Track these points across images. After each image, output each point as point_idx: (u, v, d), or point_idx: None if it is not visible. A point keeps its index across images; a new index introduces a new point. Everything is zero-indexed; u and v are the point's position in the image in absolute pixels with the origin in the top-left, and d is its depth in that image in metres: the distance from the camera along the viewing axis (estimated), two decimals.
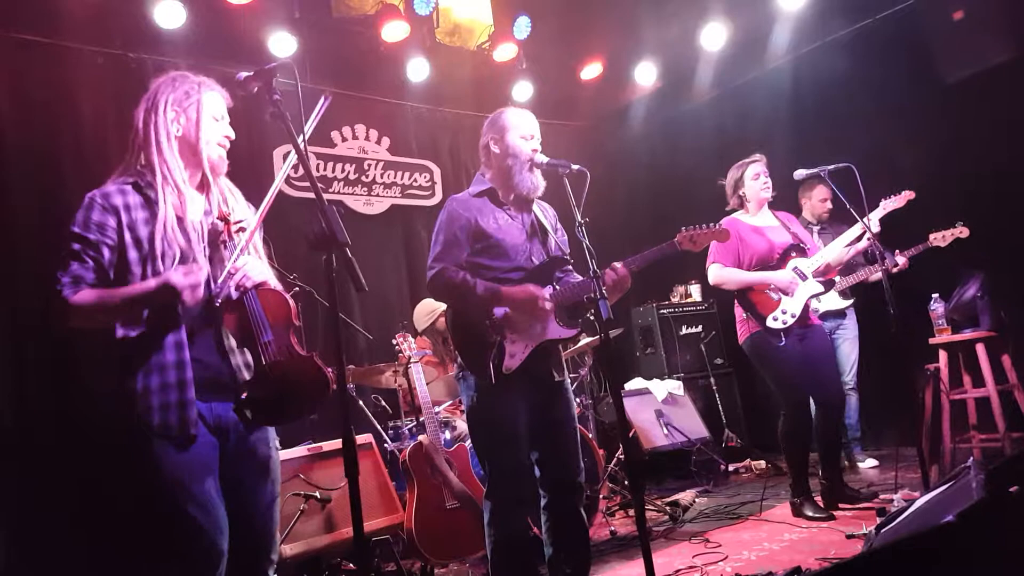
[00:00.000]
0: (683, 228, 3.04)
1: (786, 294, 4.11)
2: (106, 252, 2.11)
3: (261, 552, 2.23)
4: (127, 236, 2.12)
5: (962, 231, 4.47)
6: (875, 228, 4.15)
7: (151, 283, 2.06)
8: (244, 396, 2.17)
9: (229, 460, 2.18)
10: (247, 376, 2.21)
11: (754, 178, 4.28)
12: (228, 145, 2.30)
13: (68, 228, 2.12)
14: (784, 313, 4.09)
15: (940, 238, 4.50)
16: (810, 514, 4.06)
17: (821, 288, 4.17)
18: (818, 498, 4.18)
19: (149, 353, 2.09)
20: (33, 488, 4.04)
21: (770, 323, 4.08)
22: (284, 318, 2.25)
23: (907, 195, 4.33)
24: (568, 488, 2.98)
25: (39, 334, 4.25)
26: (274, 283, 2.33)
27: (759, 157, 4.34)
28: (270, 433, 2.31)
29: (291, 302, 2.30)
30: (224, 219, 2.25)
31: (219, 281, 2.22)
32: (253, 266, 2.23)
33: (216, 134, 2.27)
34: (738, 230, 4.21)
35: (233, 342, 2.22)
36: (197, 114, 2.23)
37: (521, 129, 3.02)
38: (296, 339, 2.27)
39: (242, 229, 2.26)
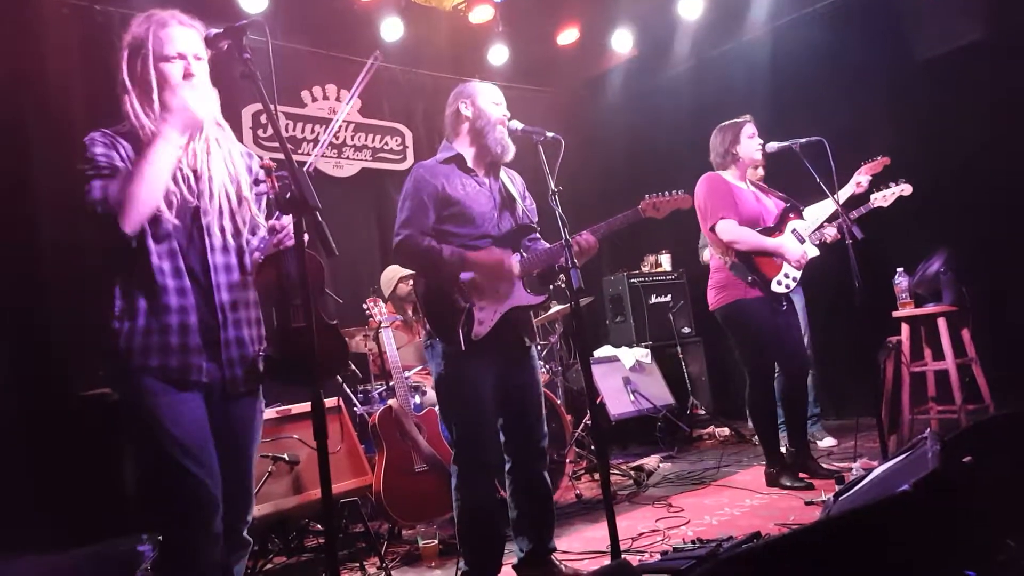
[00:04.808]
0: (646, 195, 3.07)
1: (794, 265, 4.06)
2: (119, 164, 2.08)
3: (242, 510, 2.24)
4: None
5: (904, 189, 4.22)
6: (843, 198, 4.13)
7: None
8: (262, 352, 2.17)
9: (218, 417, 2.17)
10: (234, 333, 2.18)
11: (750, 136, 4.21)
12: (192, 82, 2.14)
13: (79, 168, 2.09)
14: (787, 277, 4.06)
15: (882, 198, 4.25)
16: (788, 484, 4.04)
17: (817, 251, 4.14)
18: None
19: (152, 294, 2.08)
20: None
21: (774, 287, 4.05)
22: (317, 283, 2.21)
23: (882, 161, 4.24)
24: (532, 453, 3.02)
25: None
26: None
27: (749, 117, 4.29)
28: (260, 394, 2.30)
29: (325, 268, 2.27)
30: (268, 168, 2.16)
31: (260, 236, 2.20)
32: None
33: (174, 75, 2.14)
34: (728, 186, 4.15)
35: (226, 297, 2.18)
36: (150, 58, 2.13)
37: (491, 96, 3.06)
38: (323, 306, 2.24)
39: (287, 183, 2.19)
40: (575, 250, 2.80)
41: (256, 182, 2.25)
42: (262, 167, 2.22)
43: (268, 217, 2.31)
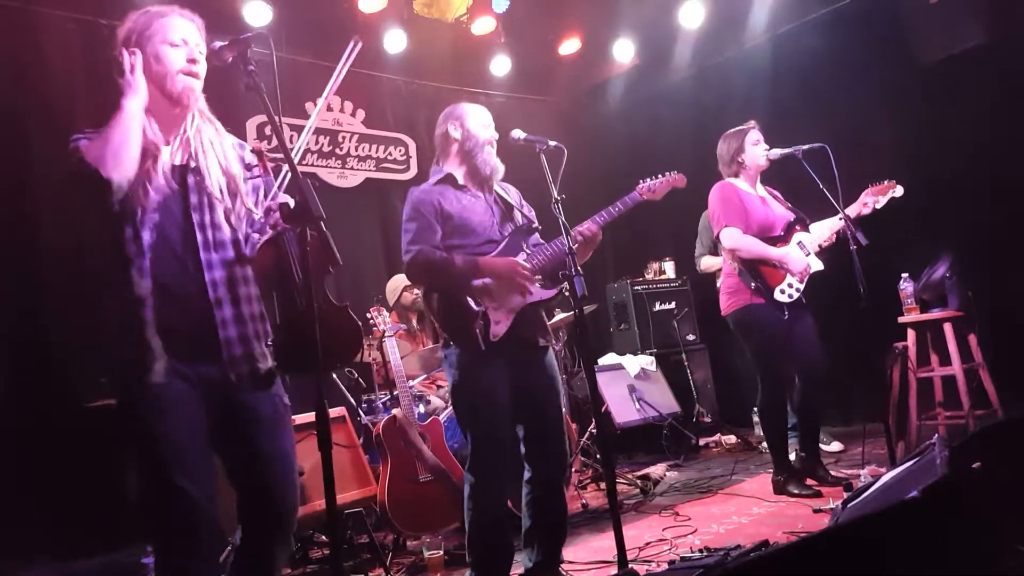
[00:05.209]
0: (640, 180, 3.11)
1: (797, 277, 4.06)
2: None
3: (283, 520, 2.12)
4: None
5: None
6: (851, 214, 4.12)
7: None
8: (270, 343, 2.10)
9: (224, 418, 2.08)
10: (235, 330, 2.10)
11: (754, 144, 4.22)
12: (195, 71, 2.14)
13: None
14: (790, 287, 4.06)
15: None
16: (795, 491, 4.02)
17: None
18: None
19: (145, 290, 2.02)
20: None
21: (777, 295, 4.05)
22: (320, 263, 2.05)
23: (890, 185, 4.19)
24: (552, 463, 3.02)
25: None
26: None
27: (754, 124, 4.30)
28: (278, 388, 2.20)
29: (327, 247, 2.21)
30: (259, 152, 2.15)
31: (256, 218, 2.15)
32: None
33: (177, 62, 2.12)
34: (738, 194, 4.16)
35: (223, 292, 2.10)
36: (152, 48, 2.10)
37: (480, 118, 3.09)
38: (329, 288, 2.18)
39: (279, 165, 2.16)
40: (579, 240, 2.82)
41: (248, 167, 2.20)
42: (253, 151, 2.19)
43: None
